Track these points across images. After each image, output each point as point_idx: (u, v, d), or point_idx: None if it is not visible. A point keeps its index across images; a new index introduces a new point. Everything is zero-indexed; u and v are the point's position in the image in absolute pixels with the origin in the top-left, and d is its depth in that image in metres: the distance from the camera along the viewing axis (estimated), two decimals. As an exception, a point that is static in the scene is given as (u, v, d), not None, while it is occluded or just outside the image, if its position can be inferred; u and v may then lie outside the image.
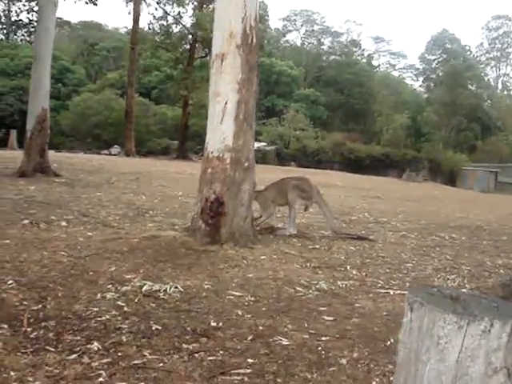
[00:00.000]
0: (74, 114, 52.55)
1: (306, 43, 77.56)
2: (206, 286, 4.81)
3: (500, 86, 78.15)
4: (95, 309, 4.07)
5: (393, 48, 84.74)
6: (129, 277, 4.93)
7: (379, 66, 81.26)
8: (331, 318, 4.22)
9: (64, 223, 7.22)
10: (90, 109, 51.03)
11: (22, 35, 79.98)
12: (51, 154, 20.77)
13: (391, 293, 5.05)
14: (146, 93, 54.99)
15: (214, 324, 3.93)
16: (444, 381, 2.01)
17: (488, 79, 74.51)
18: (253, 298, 4.58)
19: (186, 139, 34.70)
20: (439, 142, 56.17)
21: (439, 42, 66.78)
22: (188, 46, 33.59)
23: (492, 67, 77.78)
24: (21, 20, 76.89)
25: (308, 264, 5.95)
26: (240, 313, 4.21)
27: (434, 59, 68.09)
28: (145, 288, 4.61)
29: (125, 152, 32.71)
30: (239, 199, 6.50)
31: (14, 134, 32.48)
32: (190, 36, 32.38)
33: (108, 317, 3.93)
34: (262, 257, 6.02)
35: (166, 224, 7.69)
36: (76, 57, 71.71)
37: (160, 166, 20.86)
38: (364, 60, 78.58)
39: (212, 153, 6.53)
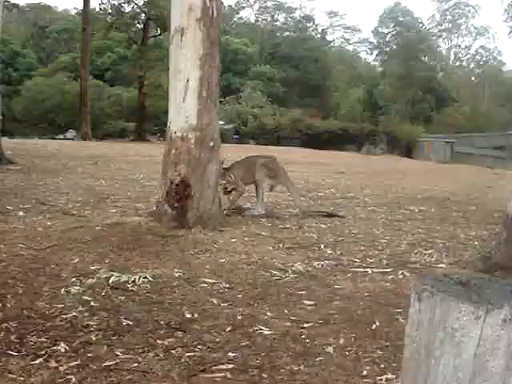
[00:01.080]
0: (27, 98, 51.34)
1: (260, 20, 76.94)
2: (177, 274, 4.56)
3: (452, 57, 78.85)
4: (60, 305, 3.79)
5: (347, 22, 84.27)
6: (94, 268, 4.64)
7: (334, 40, 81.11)
8: (312, 303, 4.01)
9: (21, 213, 6.85)
10: (42, 93, 49.92)
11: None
12: (4, 141, 20.17)
13: (369, 271, 4.87)
14: (99, 75, 53.85)
15: (189, 316, 3.70)
16: (461, 377, 1.80)
17: (440, 51, 75.14)
18: (227, 285, 4.34)
19: (144, 121, 34.03)
20: (395, 115, 56.62)
21: (392, 15, 66.84)
22: (141, 26, 32.80)
23: (444, 39, 78.32)
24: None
25: (281, 245, 5.73)
26: (216, 302, 3.98)
27: (388, 32, 68.16)
28: (112, 280, 4.34)
29: (81, 136, 31.87)
30: (206, 180, 6.22)
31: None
32: (143, 15, 31.63)
33: (74, 314, 3.65)
34: (233, 239, 5.78)
35: (130, 209, 7.38)
36: (26, 40, 69.89)
37: (118, 149, 20.35)
38: (318, 35, 78.42)
39: (175, 133, 6.23)
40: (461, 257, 5.53)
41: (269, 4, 74.65)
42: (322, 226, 6.90)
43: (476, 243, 6.28)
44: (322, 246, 5.74)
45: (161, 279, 4.42)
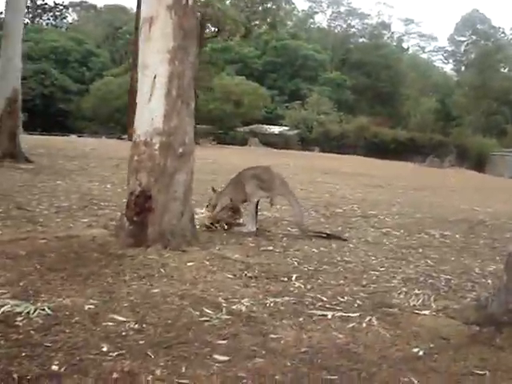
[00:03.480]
0: (96, 97, 52.26)
1: (333, 25, 75.75)
2: (87, 307, 3.76)
3: (534, 68, 75.22)
4: None
5: (423, 30, 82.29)
6: (-1, 292, 3.92)
7: (408, 48, 79.11)
8: (225, 358, 3.14)
9: (-18, 218, 6.24)
10: (111, 93, 50.64)
11: (48, 19, 79.99)
12: (42, 139, 20.05)
13: (329, 316, 3.93)
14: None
15: (55, 368, 2.90)
16: None
17: (522, 61, 71.93)
18: (137, 326, 3.51)
19: (196, 124, 33.41)
20: (468, 127, 54.42)
21: (469, 23, 64.47)
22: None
23: (527, 49, 74.84)
24: (46, 4, 76.98)
25: (245, 273, 4.84)
26: (105, 348, 3.17)
27: (464, 41, 65.84)
28: (3, 310, 3.60)
29: (128, 136, 31.31)
30: (172, 192, 5.41)
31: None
32: (199, 14, 31.07)
33: None
34: (190, 263, 4.93)
35: (107, 219, 6.65)
36: (101, 41, 71.45)
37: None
38: (393, 43, 76.74)
39: (139, 136, 5.46)
40: (458, 301, 4.49)
41: (342, 9, 73.36)
42: (313, 250, 5.96)
43: (489, 281, 5.21)
44: (294, 277, 4.82)
45: (62, 312, 3.64)
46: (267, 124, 53.78)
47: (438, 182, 17.76)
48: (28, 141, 17.83)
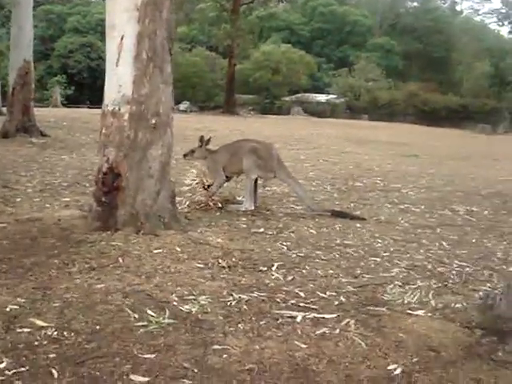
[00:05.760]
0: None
1: (382, -11, 73.21)
2: (10, 307, 3.19)
3: None
4: None
5: (476, -9, 78.95)
6: None
7: (461, 11, 76.04)
8: (143, 380, 2.52)
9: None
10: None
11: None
12: (76, 111, 19.68)
13: (298, 318, 3.25)
14: (213, 47, 53.45)
15: None
16: None
17: None
18: (56, 333, 2.91)
19: (233, 92, 32.67)
20: (524, 91, 52.10)
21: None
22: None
23: None
24: (93, -24, 76.99)
25: (219, 261, 4.18)
26: (4, 364, 2.63)
27: (520, 0, 62.82)
28: None
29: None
30: (145, 169, 4.77)
31: (57, 90, 32.17)
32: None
33: None
34: (157, 250, 4.30)
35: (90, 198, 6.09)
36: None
37: (195, 123, 19.21)
38: (446, 5, 73.99)
39: (107, 106, 4.83)
40: (467, 295, 3.75)
41: (391, -28, 70.65)
42: (311, 231, 5.27)
43: (511, 269, 4.44)
44: (275, 266, 4.15)
45: (-24, 316, 3.08)
46: (314, 93, 52.65)
47: (483, 151, 16.63)
48: (58, 113, 17.58)
